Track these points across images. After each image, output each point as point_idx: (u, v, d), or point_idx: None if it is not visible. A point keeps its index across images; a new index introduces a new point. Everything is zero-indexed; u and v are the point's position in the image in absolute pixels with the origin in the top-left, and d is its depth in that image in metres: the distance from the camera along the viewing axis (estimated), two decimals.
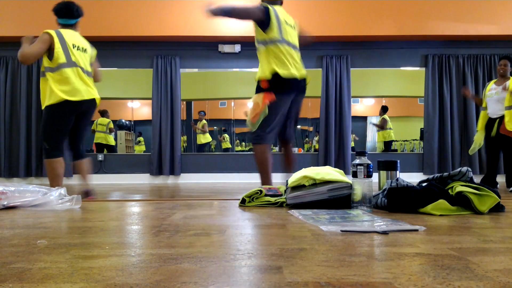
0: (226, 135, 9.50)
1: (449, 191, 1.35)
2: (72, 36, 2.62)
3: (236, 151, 9.28)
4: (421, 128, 7.29)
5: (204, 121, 8.64)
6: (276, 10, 2.46)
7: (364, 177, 1.34)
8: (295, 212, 1.32)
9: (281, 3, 2.61)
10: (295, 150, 7.79)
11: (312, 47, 5.35)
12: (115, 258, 0.74)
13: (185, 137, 8.72)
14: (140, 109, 9.56)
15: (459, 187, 1.31)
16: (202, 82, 8.86)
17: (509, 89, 3.76)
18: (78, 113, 2.64)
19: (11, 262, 0.72)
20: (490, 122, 4.04)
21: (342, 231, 0.97)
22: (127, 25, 5.90)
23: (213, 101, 9.50)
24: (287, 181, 1.62)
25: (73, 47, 2.58)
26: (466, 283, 0.57)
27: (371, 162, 1.36)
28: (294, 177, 1.57)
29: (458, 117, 6.16)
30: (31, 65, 6.07)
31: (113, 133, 7.89)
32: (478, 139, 4.18)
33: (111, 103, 8.44)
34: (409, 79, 7.95)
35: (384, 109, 8.13)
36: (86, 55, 2.68)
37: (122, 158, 6.42)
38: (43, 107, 2.57)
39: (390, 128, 8.15)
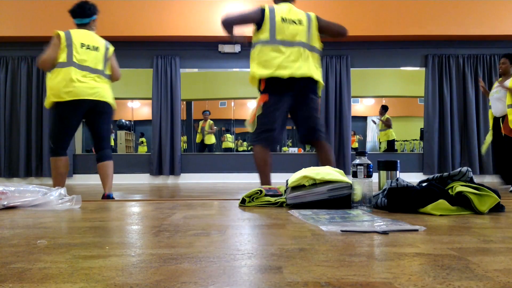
0: (229, 135, 9.51)
1: (449, 191, 1.35)
2: (83, 35, 2.61)
3: (240, 151, 9.29)
4: (421, 128, 7.29)
5: (211, 121, 8.66)
6: (276, 9, 2.44)
7: (364, 177, 1.34)
8: (295, 212, 1.32)
9: (290, 0, 2.56)
10: (295, 150, 7.79)
11: None
12: (115, 258, 0.74)
13: (185, 137, 8.73)
14: (140, 109, 9.57)
15: (459, 187, 1.31)
16: (202, 82, 8.86)
17: (509, 86, 3.77)
18: (81, 113, 2.61)
19: (11, 262, 0.72)
20: (496, 121, 4.06)
21: (342, 231, 0.97)
22: (127, 25, 5.90)
23: (213, 101, 9.50)
24: (287, 181, 1.62)
25: (82, 46, 2.56)
26: (466, 283, 0.57)
27: (371, 162, 1.36)
28: (294, 177, 1.57)
29: (458, 117, 6.16)
30: (31, 65, 6.08)
31: (113, 134, 7.90)
32: (488, 138, 4.20)
33: None
34: (409, 79, 7.96)
35: (385, 108, 8.11)
36: (97, 53, 2.64)
37: (122, 158, 6.41)
38: None
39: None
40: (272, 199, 1.60)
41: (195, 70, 7.71)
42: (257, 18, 2.41)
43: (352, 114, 6.32)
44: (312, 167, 1.60)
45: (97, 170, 2.82)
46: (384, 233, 0.95)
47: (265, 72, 2.40)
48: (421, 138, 7.43)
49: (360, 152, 1.39)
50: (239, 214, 1.35)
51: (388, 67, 6.45)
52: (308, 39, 2.49)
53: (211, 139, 8.55)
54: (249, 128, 2.53)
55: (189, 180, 6.27)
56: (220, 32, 6.03)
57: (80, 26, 2.67)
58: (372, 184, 1.37)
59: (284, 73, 2.39)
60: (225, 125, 9.50)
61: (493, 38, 6.11)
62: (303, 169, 1.61)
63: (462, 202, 1.30)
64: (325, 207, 1.42)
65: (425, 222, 1.13)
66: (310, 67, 2.47)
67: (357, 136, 9.24)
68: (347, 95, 6.23)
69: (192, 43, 6.26)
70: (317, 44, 2.54)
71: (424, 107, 6.28)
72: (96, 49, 2.64)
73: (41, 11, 5.85)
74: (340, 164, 6.14)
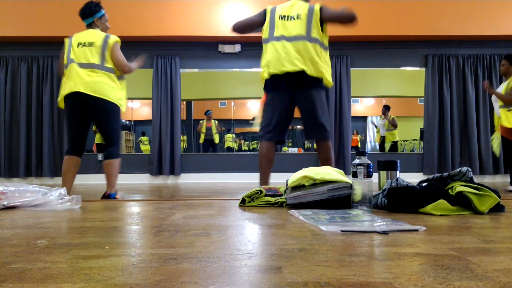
0: (229, 135, 9.52)
1: (449, 191, 1.35)
2: (83, 35, 2.72)
3: (243, 151, 9.29)
4: (421, 128, 7.28)
5: (214, 121, 8.69)
6: (277, 8, 2.50)
7: (364, 177, 1.34)
8: (295, 212, 1.32)
9: None
10: (295, 150, 7.79)
11: None
12: (115, 258, 0.74)
13: (185, 137, 8.73)
14: (140, 109, 9.56)
15: (459, 187, 1.31)
16: (202, 82, 8.86)
17: (507, 87, 3.80)
18: (81, 110, 2.64)
19: (11, 262, 0.72)
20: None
21: (342, 231, 0.97)
22: (127, 25, 5.89)
23: (213, 101, 9.50)
24: (287, 181, 1.62)
25: (78, 46, 2.67)
26: (466, 283, 0.57)
27: (371, 162, 1.37)
28: (294, 177, 1.57)
29: (458, 117, 6.15)
30: (31, 66, 6.08)
31: None
32: (497, 135, 4.21)
33: None
34: (409, 79, 7.95)
35: (388, 108, 8.02)
36: (91, 48, 2.66)
37: (122, 158, 6.40)
38: None
39: None
40: (272, 199, 1.60)
41: (195, 70, 7.70)
42: (260, 20, 2.53)
43: (352, 114, 6.32)
44: (312, 167, 1.60)
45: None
46: (384, 233, 0.95)
47: (265, 72, 2.50)
48: (421, 138, 7.42)
49: (360, 152, 1.39)
50: (239, 214, 1.35)
51: (388, 67, 6.45)
52: (307, 31, 2.41)
53: (216, 138, 8.61)
54: (258, 128, 2.64)
55: (189, 180, 6.27)
56: (220, 32, 6.10)
57: (87, 26, 2.80)
58: (372, 184, 1.38)
59: (276, 70, 2.42)
60: (225, 125, 9.51)
61: (493, 38, 6.10)
62: (303, 169, 1.61)
63: (462, 202, 1.30)
64: (325, 207, 1.42)
65: (425, 222, 1.13)
66: (305, 61, 2.38)
67: (359, 136, 9.23)
68: (347, 95, 6.23)
69: (192, 43, 6.26)
70: (318, 35, 2.42)
71: (424, 107, 6.28)
72: (90, 44, 2.68)
73: (41, 11, 5.85)
74: (340, 164, 6.13)
